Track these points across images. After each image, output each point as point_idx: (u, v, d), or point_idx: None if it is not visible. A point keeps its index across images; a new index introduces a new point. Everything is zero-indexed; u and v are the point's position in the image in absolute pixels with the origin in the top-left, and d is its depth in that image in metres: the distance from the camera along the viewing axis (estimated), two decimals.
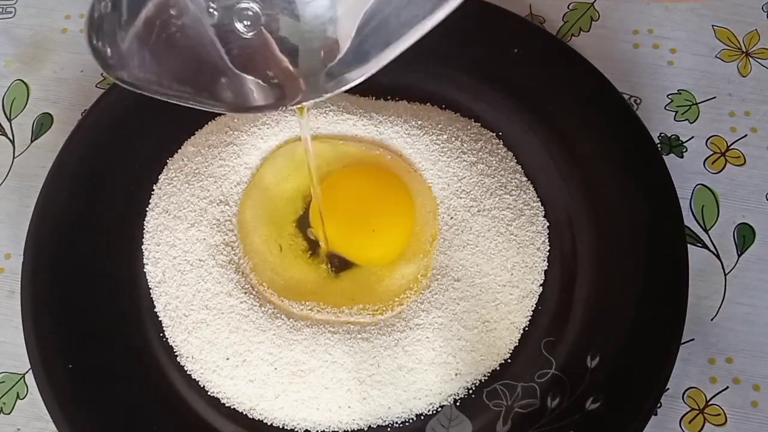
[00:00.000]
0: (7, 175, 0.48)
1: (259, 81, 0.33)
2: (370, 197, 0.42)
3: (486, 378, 0.40)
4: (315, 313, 0.40)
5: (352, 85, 0.30)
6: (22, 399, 0.42)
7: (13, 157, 0.48)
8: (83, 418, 0.39)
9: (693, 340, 0.42)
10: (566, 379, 0.39)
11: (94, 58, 0.32)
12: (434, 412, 0.40)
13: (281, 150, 0.44)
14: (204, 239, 0.41)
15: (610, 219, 0.42)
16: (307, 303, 0.40)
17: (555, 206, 0.44)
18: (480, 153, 0.43)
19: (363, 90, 0.46)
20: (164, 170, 0.44)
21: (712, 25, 0.50)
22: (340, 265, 0.43)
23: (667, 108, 0.48)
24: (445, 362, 0.39)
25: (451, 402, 0.40)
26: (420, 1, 0.28)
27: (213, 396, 0.40)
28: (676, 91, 0.49)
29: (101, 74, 0.50)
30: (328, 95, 0.31)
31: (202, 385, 0.40)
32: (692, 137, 0.47)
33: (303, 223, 0.43)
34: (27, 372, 0.43)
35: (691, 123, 0.48)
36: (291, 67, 0.32)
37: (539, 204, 0.44)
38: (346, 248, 0.42)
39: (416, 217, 0.43)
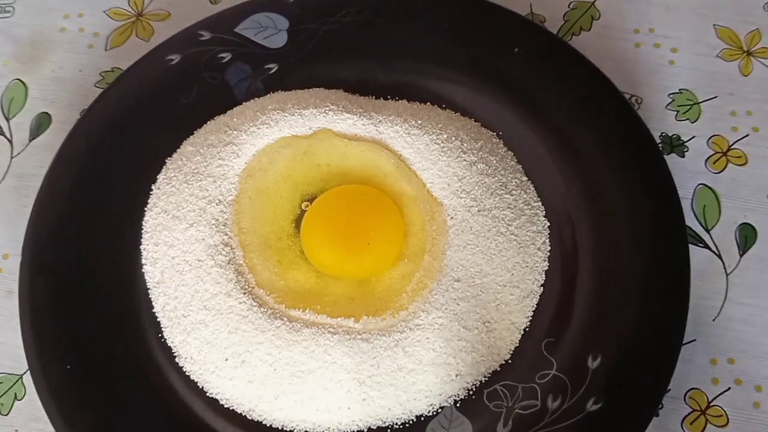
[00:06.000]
0: (5, 175, 0.48)
1: None
2: (359, 213, 0.42)
3: (486, 379, 0.40)
4: (315, 317, 0.40)
5: None
6: (20, 400, 0.42)
7: (11, 157, 0.48)
8: (81, 419, 0.39)
9: (694, 340, 0.42)
10: (567, 379, 0.39)
11: None
12: (434, 413, 0.40)
13: (280, 149, 0.44)
14: (203, 239, 0.41)
15: (610, 219, 0.42)
16: (306, 311, 0.40)
17: (555, 206, 0.43)
18: (480, 153, 0.43)
19: (363, 90, 0.46)
20: (163, 170, 0.44)
21: (714, 25, 0.50)
22: None
23: (668, 107, 0.48)
24: (445, 363, 0.39)
25: (452, 403, 0.40)
26: None
27: (212, 397, 0.40)
28: (677, 91, 0.48)
29: (100, 73, 0.50)
30: None
31: (200, 386, 0.40)
32: (693, 137, 0.47)
33: (302, 223, 0.43)
34: (25, 373, 0.42)
35: (692, 122, 0.48)
36: None
37: (540, 204, 0.43)
38: (341, 264, 0.42)
39: (416, 219, 0.42)
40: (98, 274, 0.42)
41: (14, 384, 0.43)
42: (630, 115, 0.44)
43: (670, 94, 0.48)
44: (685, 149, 0.47)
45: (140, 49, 0.49)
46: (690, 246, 0.41)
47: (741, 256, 0.44)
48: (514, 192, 0.43)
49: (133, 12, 0.52)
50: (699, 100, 0.48)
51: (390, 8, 0.48)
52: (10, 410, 0.42)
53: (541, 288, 0.42)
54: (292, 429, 0.39)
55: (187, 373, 0.40)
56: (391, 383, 0.39)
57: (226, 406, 0.40)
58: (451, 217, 0.42)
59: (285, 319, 0.39)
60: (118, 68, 0.50)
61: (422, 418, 0.40)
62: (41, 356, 0.40)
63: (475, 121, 0.46)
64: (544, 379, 0.40)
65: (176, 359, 0.41)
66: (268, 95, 0.46)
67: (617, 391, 0.38)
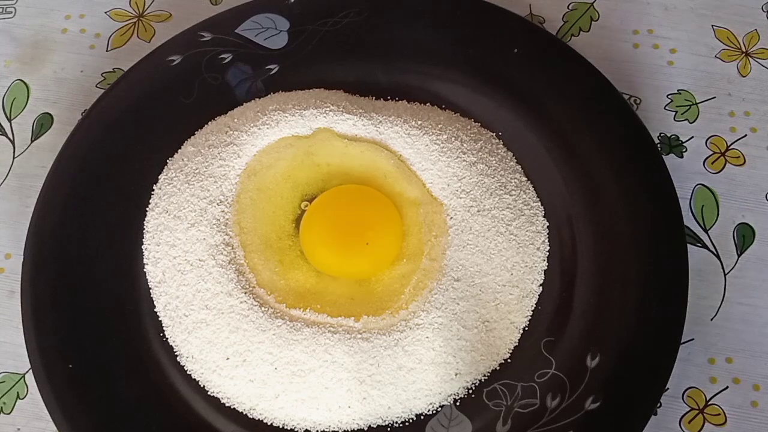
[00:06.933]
0: (7, 175, 0.48)
1: None
2: (357, 213, 0.42)
3: (486, 378, 0.40)
4: (315, 316, 0.40)
5: None
6: (23, 399, 0.42)
7: (14, 157, 0.48)
8: (83, 418, 0.39)
9: (693, 339, 0.42)
10: (566, 378, 0.39)
11: None
12: (434, 411, 0.40)
13: (281, 149, 0.44)
14: (204, 239, 0.41)
15: (609, 219, 0.42)
16: (306, 311, 0.40)
17: (555, 206, 0.44)
18: (480, 153, 0.43)
19: (363, 90, 0.47)
20: (164, 170, 0.44)
21: (712, 25, 0.50)
22: None
23: (666, 108, 0.48)
24: (444, 362, 0.39)
25: (451, 402, 0.40)
26: None
27: (213, 396, 0.40)
28: (675, 91, 0.49)
29: (101, 74, 0.50)
30: None
31: (202, 385, 0.40)
32: (692, 137, 0.47)
33: (301, 222, 0.43)
34: (27, 372, 0.43)
35: (690, 123, 0.48)
36: None
37: (539, 204, 0.44)
38: (340, 263, 0.42)
39: (416, 219, 0.43)
40: (100, 274, 0.42)
41: (16, 383, 0.43)
42: (629, 115, 0.44)
43: (668, 95, 0.48)
44: (684, 149, 0.47)
45: (141, 49, 0.50)
46: (688, 246, 0.41)
47: (739, 255, 0.44)
48: (513, 192, 0.43)
49: (134, 13, 0.53)
50: (697, 101, 0.48)
51: (390, 9, 0.48)
52: (12, 409, 0.42)
53: (540, 287, 0.42)
54: (293, 428, 0.40)
55: (188, 372, 0.41)
56: (391, 382, 0.39)
57: (227, 404, 0.40)
58: (451, 218, 0.42)
59: (285, 318, 0.40)
60: (120, 69, 0.50)
61: (422, 417, 0.40)
62: (43, 355, 0.40)
63: (475, 121, 0.46)
64: (543, 378, 0.40)
65: (178, 358, 0.41)
66: (269, 96, 0.46)
67: (616, 390, 0.39)
